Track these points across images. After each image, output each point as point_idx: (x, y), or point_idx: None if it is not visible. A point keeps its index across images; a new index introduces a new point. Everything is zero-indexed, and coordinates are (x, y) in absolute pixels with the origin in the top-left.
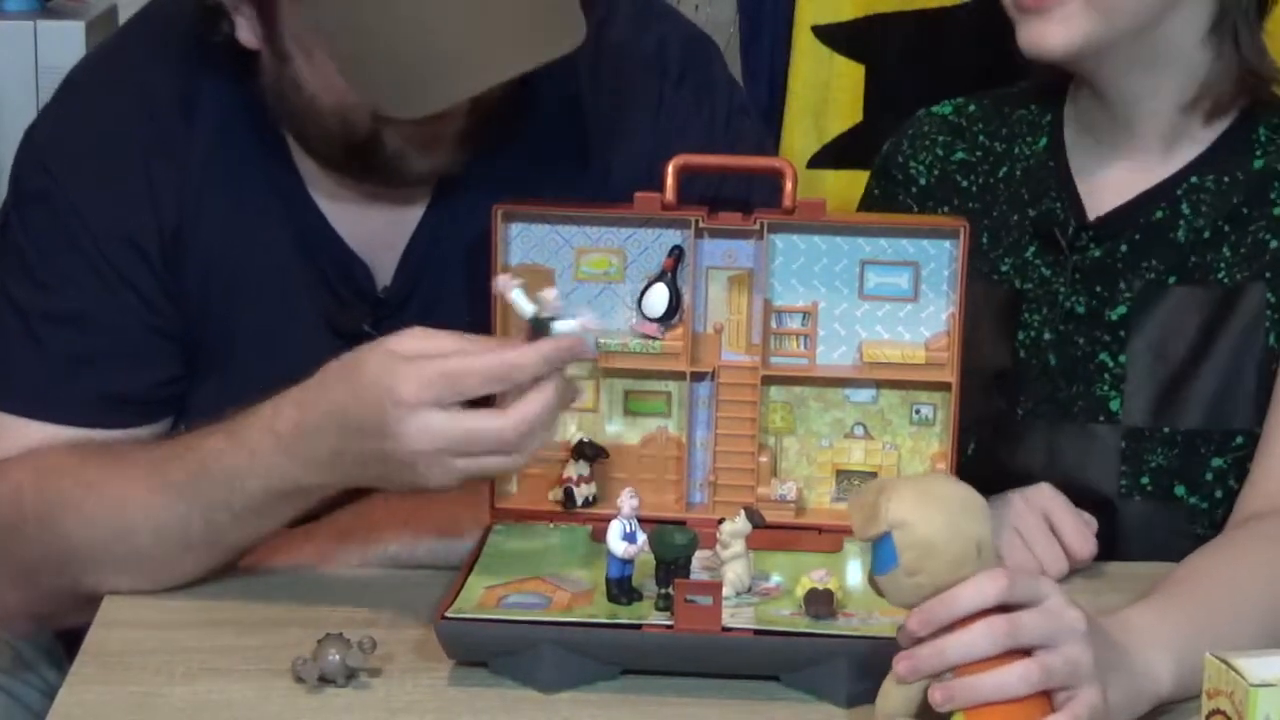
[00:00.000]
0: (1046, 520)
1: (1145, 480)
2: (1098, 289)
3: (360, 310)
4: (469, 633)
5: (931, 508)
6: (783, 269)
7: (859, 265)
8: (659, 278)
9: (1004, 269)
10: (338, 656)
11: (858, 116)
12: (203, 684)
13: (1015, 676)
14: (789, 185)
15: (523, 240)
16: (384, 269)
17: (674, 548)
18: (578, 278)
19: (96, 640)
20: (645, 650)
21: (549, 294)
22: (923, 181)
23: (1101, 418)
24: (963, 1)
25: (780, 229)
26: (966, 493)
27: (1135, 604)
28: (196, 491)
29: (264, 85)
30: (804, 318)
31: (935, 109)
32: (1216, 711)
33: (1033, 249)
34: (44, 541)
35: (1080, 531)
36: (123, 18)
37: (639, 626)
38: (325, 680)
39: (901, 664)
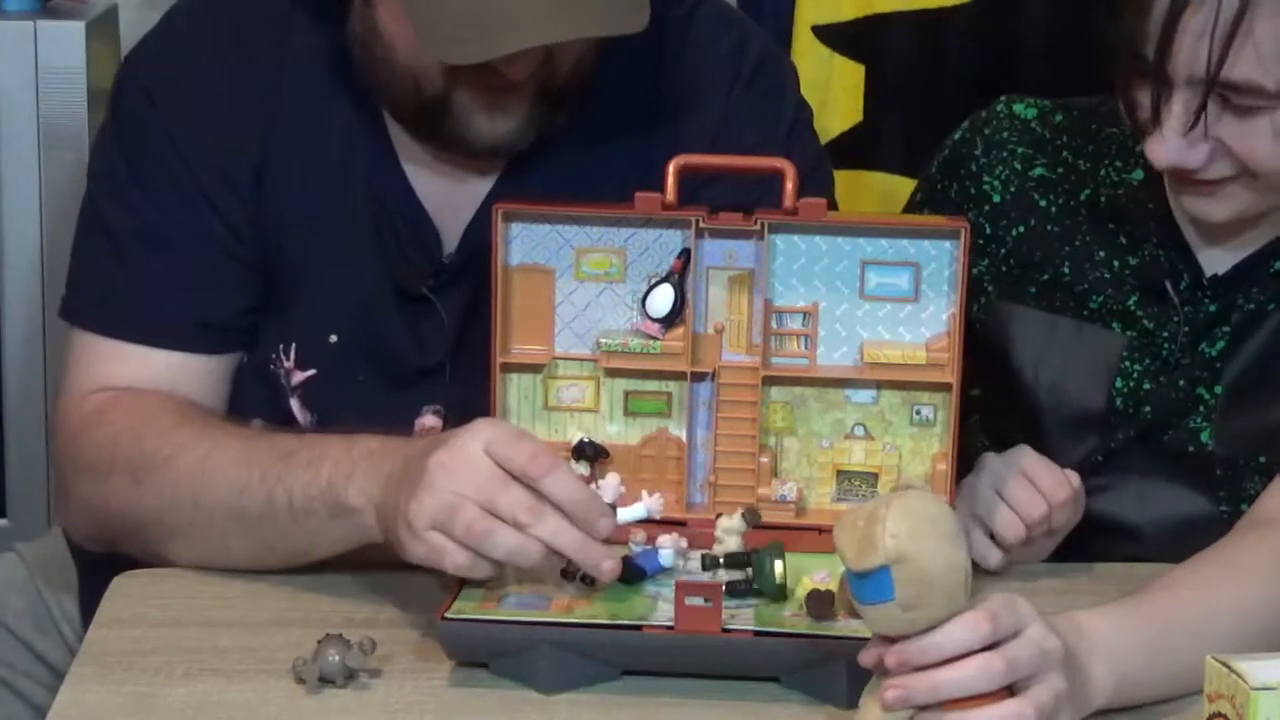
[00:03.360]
0: (1023, 474)
1: (1245, 507)
2: (1205, 340)
3: (423, 272)
4: (469, 633)
5: (929, 540)
6: (783, 269)
7: (860, 265)
8: (665, 278)
9: (1094, 305)
10: (337, 657)
11: (858, 116)
12: (203, 684)
13: (1010, 716)
14: (789, 186)
15: (523, 240)
16: (451, 236)
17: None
18: (578, 277)
19: (96, 640)
20: (645, 651)
21: (611, 480)
22: (996, 199)
23: (1191, 448)
24: (963, 1)
25: (781, 229)
26: (950, 515)
27: (1093, 609)
28: (264, 474)
29: (350, 32)
30: (805, 318)
31: (1019, 107)
32: (1217, 715)
33: (1134, 299)
34: (128, 493)
35: (1056, 477)
36: (123, 18)
37: (639, 628)
38: (325, 681)
39: (890, 693)
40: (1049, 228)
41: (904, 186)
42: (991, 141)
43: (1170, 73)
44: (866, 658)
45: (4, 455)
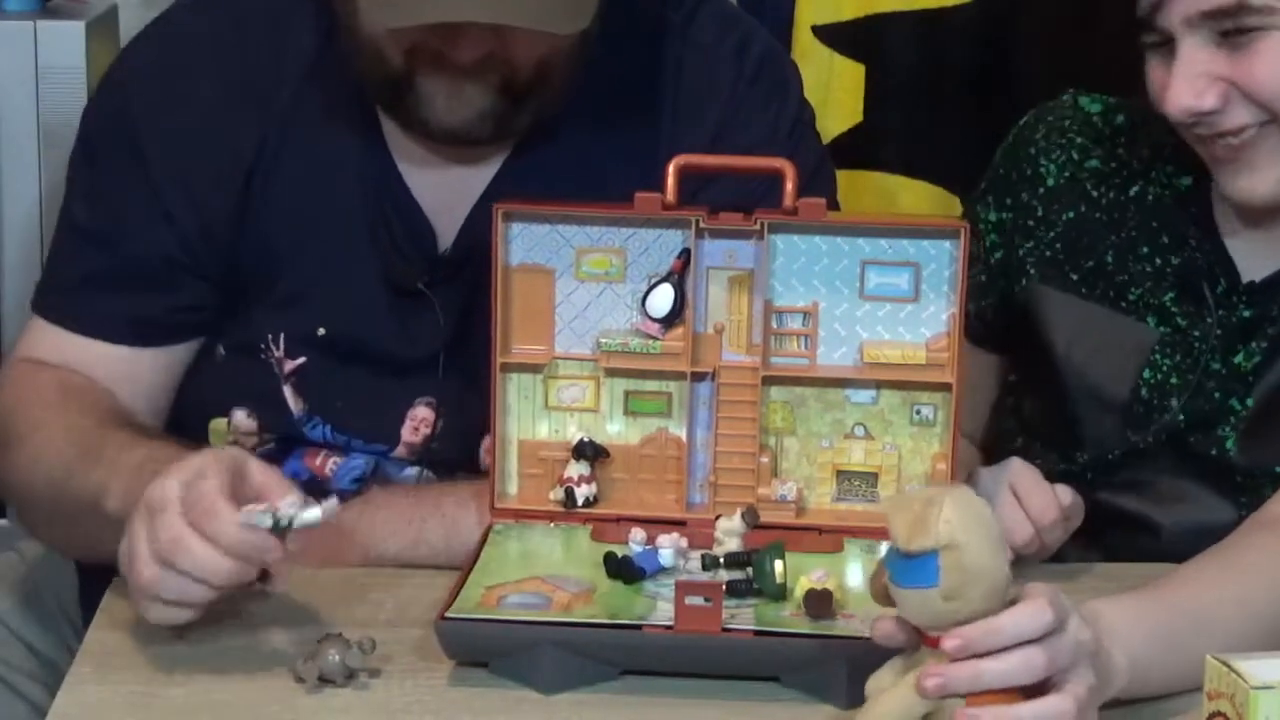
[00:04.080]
0: (1012, 491)
1: None
2: (1239, 346)
3: (419, 268)
4: (469, 633)
5: (981, 533)
6: (783, 269)
7: (859, 265)
8: (665, 278)
9: (1132, 297)
10: (337, 657)
11: (858, 116)
12: (203, 684)
13: (1053, 712)
14: (789, 186)
15: (523, 240)
16: (447, 231)
17: None
18: (578, 277)
19: (96, 640)
20: (645, 651)
21: (286, 501)
22: (1050, 182)
23: (1214, 451)
24: (963, 1)
25: (781, 229)
26: (997, 522)
27: (1106, 599)
28: (72, 472)
29: (335, 8)
30: (804, 318)
31: (1084, 100)
32: (1217, 714)
33: (1171, 295)
34: (4, 466)
35: (1045, 499)
36: (123, 18)
37: (639, 627)
38: (325, 680)
39: (931, 680)
40: (1097, 215)
41: (904, 186)
42: (1054, 127)
43: (1165, 26)
44: (882, 627)
45: None
